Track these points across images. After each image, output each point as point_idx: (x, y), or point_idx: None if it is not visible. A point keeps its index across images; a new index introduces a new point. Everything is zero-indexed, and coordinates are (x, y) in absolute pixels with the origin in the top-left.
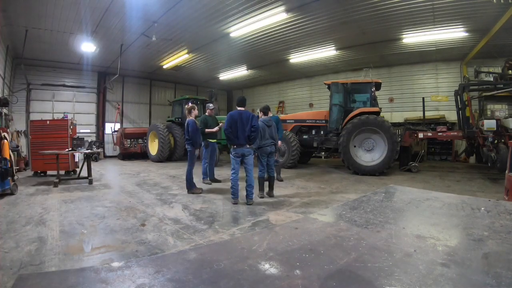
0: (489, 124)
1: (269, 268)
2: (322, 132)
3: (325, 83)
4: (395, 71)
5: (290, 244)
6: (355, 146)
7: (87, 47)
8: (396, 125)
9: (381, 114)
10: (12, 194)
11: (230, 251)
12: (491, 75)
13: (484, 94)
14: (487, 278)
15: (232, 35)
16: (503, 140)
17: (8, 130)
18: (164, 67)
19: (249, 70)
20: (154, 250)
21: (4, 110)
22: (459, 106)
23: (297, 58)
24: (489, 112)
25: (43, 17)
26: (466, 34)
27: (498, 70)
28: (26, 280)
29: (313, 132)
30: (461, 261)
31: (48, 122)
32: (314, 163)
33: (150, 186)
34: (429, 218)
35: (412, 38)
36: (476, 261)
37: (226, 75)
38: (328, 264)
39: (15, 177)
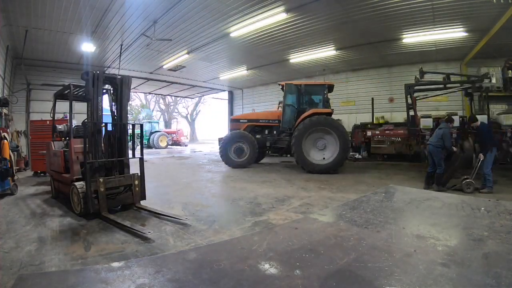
0: (425, 122)
1: (269, 268)
2: (275, 132)
3: (279, 84)
4: (395, 71)
5: (290, 244)
6: (308, 146)
7: (87, 47)
8: (397, 125)
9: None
10: (12, 194)
11: (230, 251)
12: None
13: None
14: (487, 278)
15: (232, 35)
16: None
17: (8, 130)
18: (164, 67)
19: (249, 70)
20: (154, 250)
21: (4, 110)
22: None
23: (297, 58)
24: None
25: (43, 17)
26: (466, 34)
27: (498, 70)
28: (26, 280)
29: (266, 132)
30: (461, 261)
31: (48, 122)
32: None
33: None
34: (429, 218)
35: (412, 38)
36: (476, 261)
37: (226, 75)
38: (328, 264)
39: (15, 177)
